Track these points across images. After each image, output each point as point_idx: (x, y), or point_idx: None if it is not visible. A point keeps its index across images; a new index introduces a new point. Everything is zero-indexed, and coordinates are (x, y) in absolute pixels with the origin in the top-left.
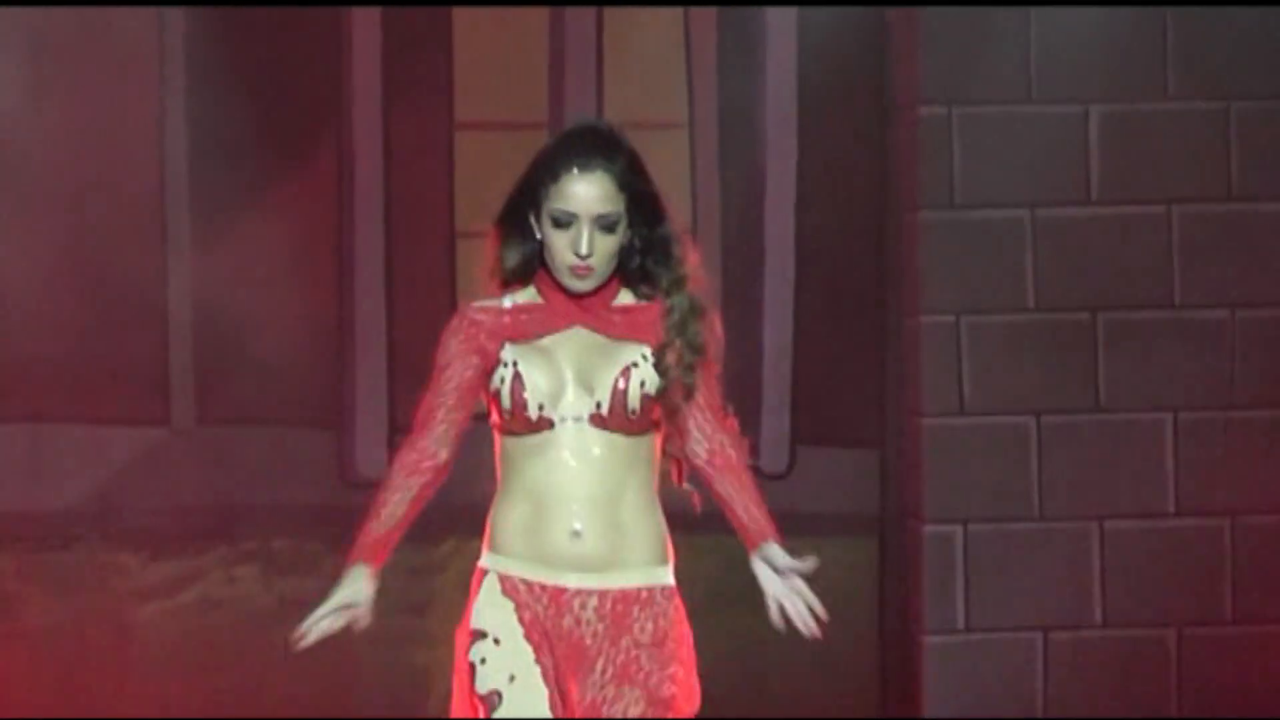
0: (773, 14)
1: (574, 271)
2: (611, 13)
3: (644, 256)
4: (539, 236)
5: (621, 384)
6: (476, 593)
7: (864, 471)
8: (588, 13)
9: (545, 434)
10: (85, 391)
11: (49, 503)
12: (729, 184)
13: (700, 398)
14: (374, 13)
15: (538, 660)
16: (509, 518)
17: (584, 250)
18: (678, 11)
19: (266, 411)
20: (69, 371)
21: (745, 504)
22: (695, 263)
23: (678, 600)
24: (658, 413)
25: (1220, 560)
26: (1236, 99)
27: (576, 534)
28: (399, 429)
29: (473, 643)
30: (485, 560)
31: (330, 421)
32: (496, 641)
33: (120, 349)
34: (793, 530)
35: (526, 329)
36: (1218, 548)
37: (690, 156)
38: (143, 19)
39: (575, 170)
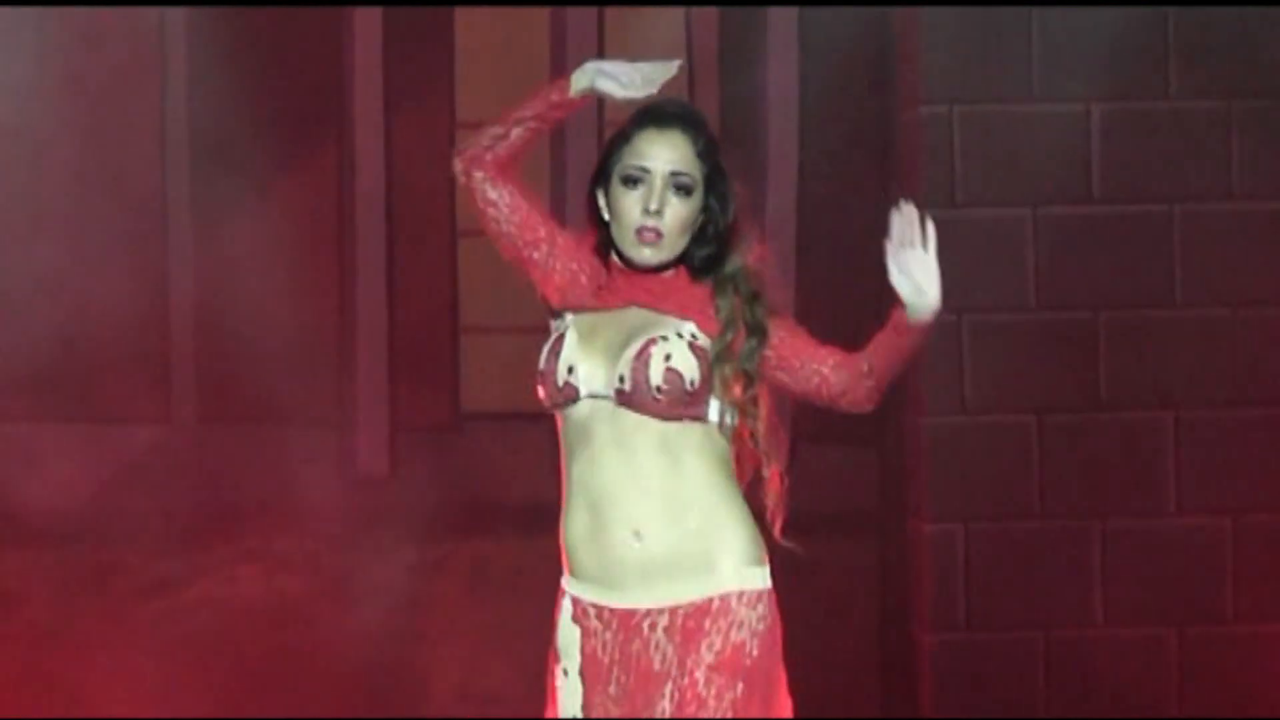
0: (774, 14)
1: (641, 236)
2: (613, 13)
3: (712, 245)
4: (606, 219)
5: (644, 356)
6: (557, 610)
7: (865, 470)
8: (589, 13)
9: (579, 417)
10: (86, 389)
11: (50, 501)
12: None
13: (785, 353)
14: (375, 12)
15: (589, 699)
16: (572, 529)
17: (654, 205)
18: (679, 12)
19: (268, 409)
20: (70, 369)
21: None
22: (762, 258)
23: (765, 607)
24: (698, 406)
25: (1222, 559)
26: (1238, 98)
27: (637, 535)
28: (400, 427)
29: (553, 663)
30: (563, 580)
31: (332, 420)
32: (565, 673)
33: (122, 347)
34: (793, 529)
35: (586, 300)
36: (1219, 546)
37: None
38: (144, 19)
39: (651, 127)
